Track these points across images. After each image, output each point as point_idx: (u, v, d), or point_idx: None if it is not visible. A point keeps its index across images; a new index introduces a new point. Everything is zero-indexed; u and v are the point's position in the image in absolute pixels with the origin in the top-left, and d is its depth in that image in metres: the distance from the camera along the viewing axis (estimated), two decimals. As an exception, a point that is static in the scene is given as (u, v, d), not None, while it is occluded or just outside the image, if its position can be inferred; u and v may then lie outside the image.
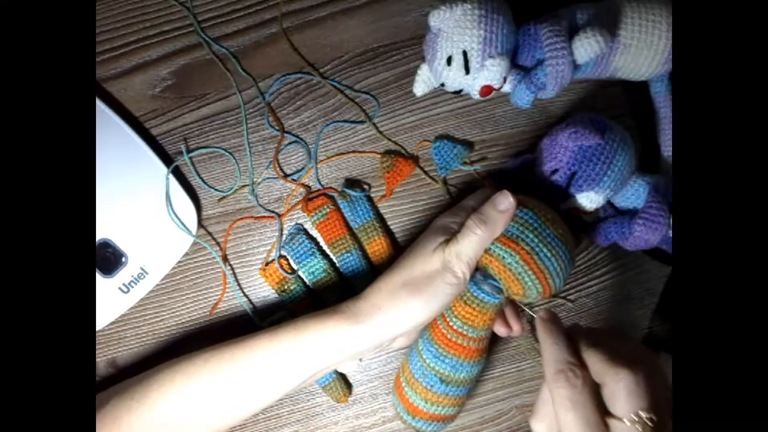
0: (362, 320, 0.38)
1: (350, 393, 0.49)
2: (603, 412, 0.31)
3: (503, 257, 0.38)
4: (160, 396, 0.39)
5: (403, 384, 0.42)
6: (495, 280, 0.39)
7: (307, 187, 0.48)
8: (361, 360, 0.48)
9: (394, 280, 0.39)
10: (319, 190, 0.48)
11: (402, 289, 0.38)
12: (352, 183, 0.48)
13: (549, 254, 0.37)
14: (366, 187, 0.48)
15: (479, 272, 0.40)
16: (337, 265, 0.48)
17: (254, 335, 0.40)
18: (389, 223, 0.49)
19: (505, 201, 0.39)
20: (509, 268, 0.38)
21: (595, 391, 0.31)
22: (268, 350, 0.39)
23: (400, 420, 0.43)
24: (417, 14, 0.48)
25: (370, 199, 0.48)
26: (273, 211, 0.48)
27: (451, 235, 0.39)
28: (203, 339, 0.48)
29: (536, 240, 0.37)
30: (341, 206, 0.47)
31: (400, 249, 0.48)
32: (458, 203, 0.43)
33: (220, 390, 0.39)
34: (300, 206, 0.48)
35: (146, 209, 0.46)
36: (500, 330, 0.43)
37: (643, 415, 0.29)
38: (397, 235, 0.49)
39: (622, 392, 0.30)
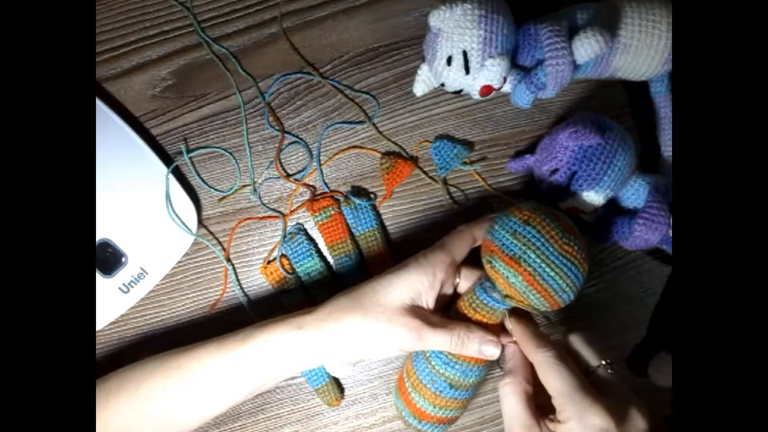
0: (302, 327, 0.39)
1: (343, 397, 0.48)
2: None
3: (507, 277, 0.37)
4: (107, 405, 0.40)
5: (410, 389, 0.41)
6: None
7: (310, 186, 0.48)
8: (354, 365, 0.48)
9: (346, 299, 0.40)
10: (325, 193, 0.48)
11: (345, 313, 0.39)
12: (358, 191, 0.48)
13: (553, 273, 0.36)
14: (372, 195, 0.48)
15: (488, 280, 0.39)
16: (334, 268, 0.48)
17: (202, 344, 0.41)
18: (389, 223, 0.48)
19: (488, 351, 0.39)
20: (514, 287, 0.37)
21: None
22: (214, 359, 0.40)
23: (404, 423, 0.42)
24: (417, 14, 0.48)
25: (374, 207, 0.48)
26: (276, 210, 0.48)
27: (420, 308, 0.39)
28: (203, 339, 0.48)
29: (539, 260, 0.36)
30: (345, 212, 0.47)
31: (398, 260, 0.48)
32: (439, 241, 0.42)
33: (167, 400, 0.40)
34: (303, 207, 0.48)
35: (146, 209, 0.46)
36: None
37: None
38: (397, 236, 0.49)
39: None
